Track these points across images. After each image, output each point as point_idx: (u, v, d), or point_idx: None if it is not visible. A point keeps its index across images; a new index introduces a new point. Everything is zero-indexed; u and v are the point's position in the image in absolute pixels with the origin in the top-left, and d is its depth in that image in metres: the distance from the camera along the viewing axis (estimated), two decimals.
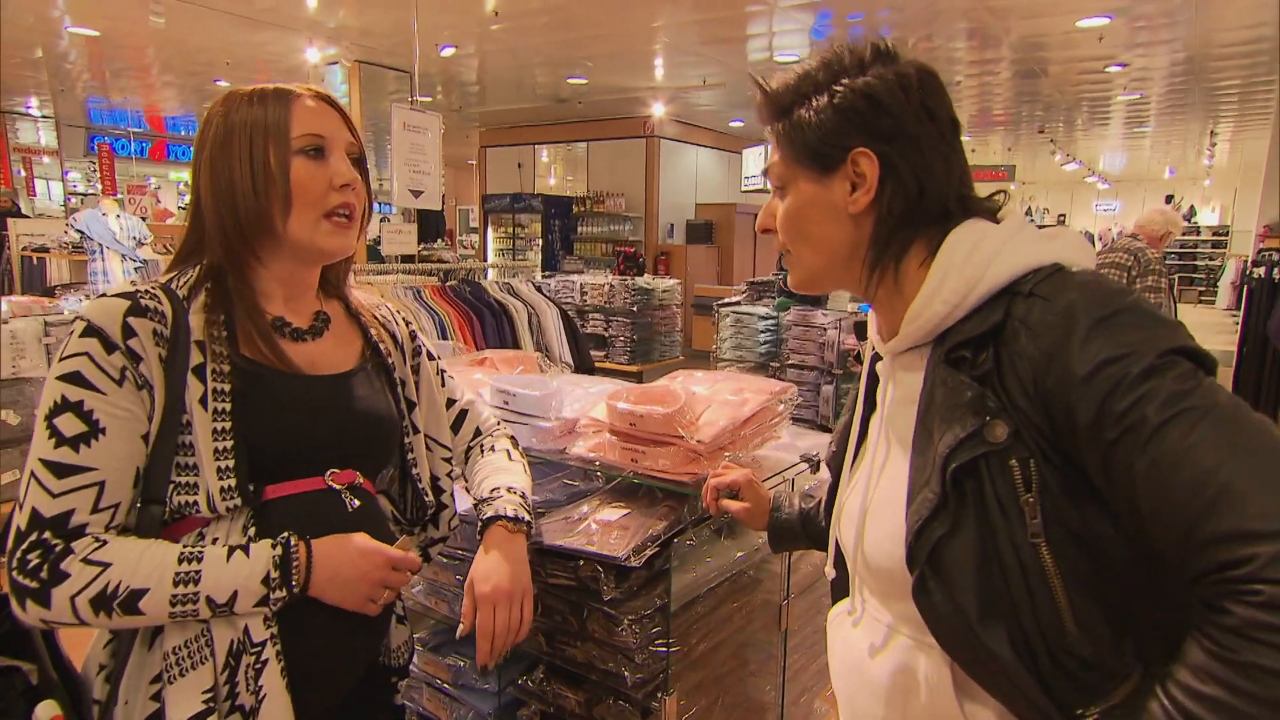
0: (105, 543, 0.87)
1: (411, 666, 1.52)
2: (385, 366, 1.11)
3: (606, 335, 6.50)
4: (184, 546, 0.89)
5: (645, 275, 7.16)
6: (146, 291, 0.92)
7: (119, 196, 6.62)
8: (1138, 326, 0.66)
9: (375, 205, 1.71)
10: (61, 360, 0.88)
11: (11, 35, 6.85)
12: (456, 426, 1.25)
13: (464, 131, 11.25)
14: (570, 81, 8.14)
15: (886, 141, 0.78)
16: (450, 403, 1.24)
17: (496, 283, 3.99)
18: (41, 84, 8.88)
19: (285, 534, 0.93)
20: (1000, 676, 0.71)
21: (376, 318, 1.15)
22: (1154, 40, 6.29)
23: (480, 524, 1.11)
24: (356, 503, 1.01)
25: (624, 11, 5.78)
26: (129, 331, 0.89)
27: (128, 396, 0.88)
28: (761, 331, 3.89)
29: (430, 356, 1.22)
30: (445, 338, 3.44)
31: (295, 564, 0.91)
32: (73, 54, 7.43)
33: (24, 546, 0.84)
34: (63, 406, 0.86)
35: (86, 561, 0.85)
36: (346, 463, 1.02)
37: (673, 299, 6.49)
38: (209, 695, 0.88)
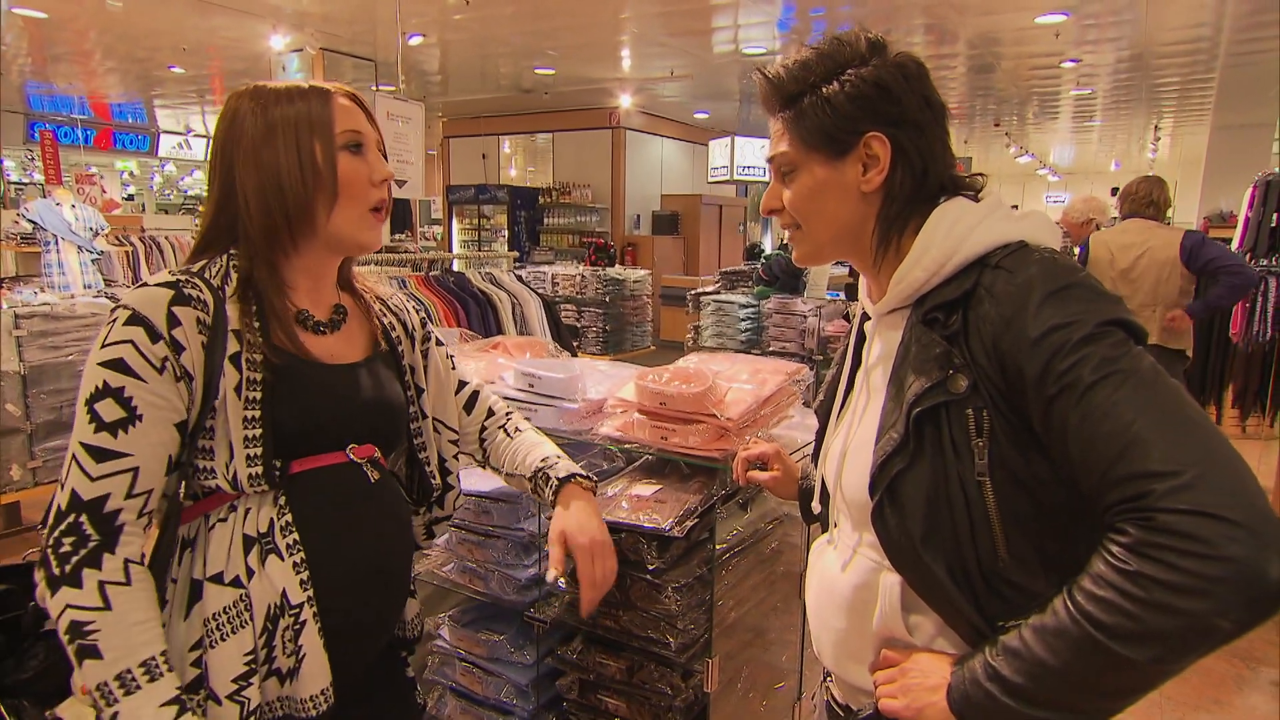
0: (128, 582, 0.87)
1: (441, 641, 1.57)
2: (395, 354, 1.14)
3: (579, 325, 6.52)
4: (157, 653, 0.87)
5: (615, 266, 7.20)
6: (187, 280, 0.95)
7: (66, 185, 6.36)
8: (1083, 300, 0.75)
9: None
10: (104, 347, 0.90)
11: None
12: (469, 408, 1.29)
13: (427, 121, 11.09)
14: (536, 72, 8.11)
15: (895, 126, 0.87)
16: (461, 385, 1.28)
17: (480, 272, 4.00)
18: None
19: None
20: (939, 592, 0.81)
21: (389, 306, 1.18)
22: (1103, 38, 6.55)
23: (556, 482, 1.18)
24: (377, 475, 1.05)
25: (592, 2, 5.79)
26: (174, 321, 0.91)
27: (167, 385, 0.91)
28: (742, 320, 3.97)
29: (439, 343, 1.25)
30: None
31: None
32: (8, 37, 7.13)
33: (61, 528, 0.86)
34: (104, 392, 0.88)
35: (100, 586, 0.85)
36: (364, 442, 1.05)
37: (643, 289, 6.55)
38: (250, 657, 0.92)
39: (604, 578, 1.10)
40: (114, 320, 0.90)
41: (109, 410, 0.88)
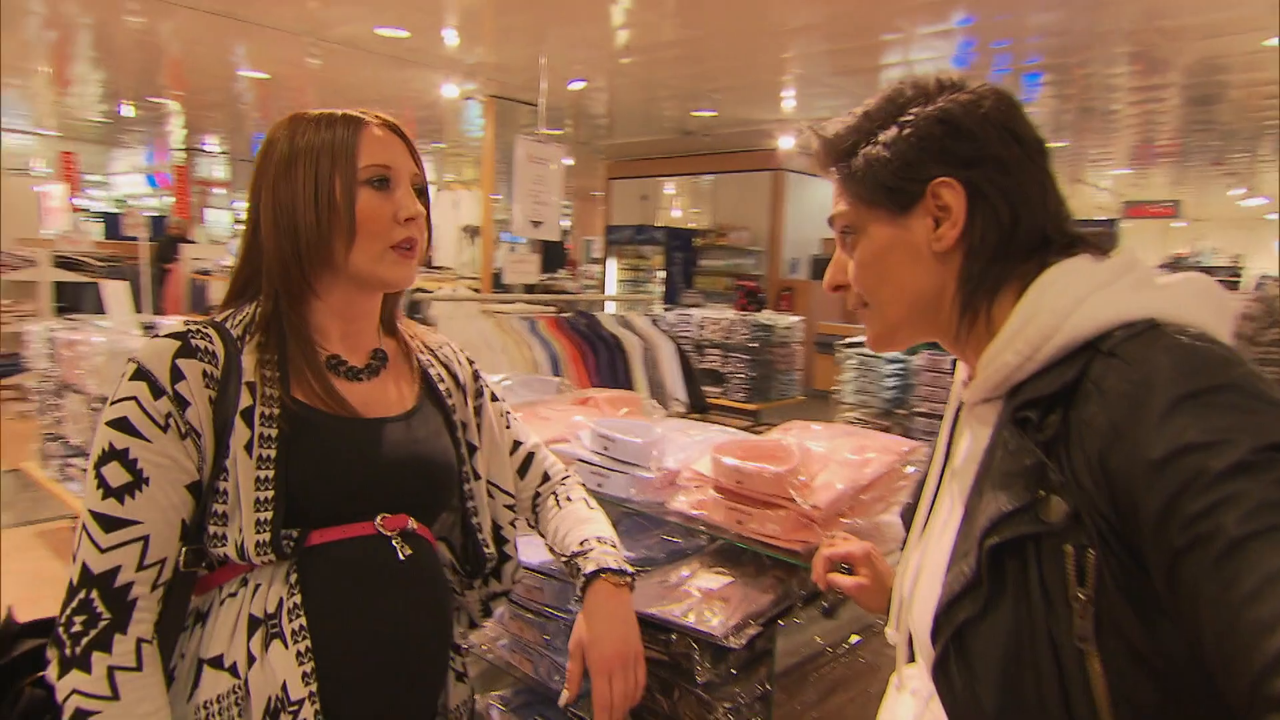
0: (139, 667, 0.83)
1: None
2: (444, 408, 1.06)
3: (723, 371, 6.37)
4: None
5: (766, 310, 6.99)
6: (198, 330, 0.91)
7: None
8: (1235, 409, 0.54)
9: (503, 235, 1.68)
10: (112, 404, 0.86)
11: (198, 82, 7.64)
12: (523, 471, 1.19)
13: (591, 164, 11.53)
14: (696, 114, 8.16)
15: (969, 167, 0.71)
16: (516, 445, 1.18)
17: (612, 316, 3.97)
18: (219, 123, 9.84)
19: None
20: None
21: (438, 356, 1.10)
22: None
23: (583, 579, 1.04)
24: (408, 551, 0.95)
25: (754, 44, 5.72)
26: (177, 374, 0.87)
27: (172, 444, 0.86)
28: (888, 376, 3.65)
29: (494, 398, 1.16)
30: (557, 371, 3.43)
31: None
32: (246, 95, 8.19)
33: (73, 605, 0.82)
34: (110, 454, 0.84)
35: (110, 672, 0.81)
36: (399, 508, 0.96)
37: (794, 336, 6.30)
38: None
39: (623, 698, 0.95)
40: (123, 375, 0.88)
41: (115, 474, 0.84)
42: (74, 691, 0.80)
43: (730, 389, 6.36)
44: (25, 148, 11.21)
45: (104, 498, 0.83)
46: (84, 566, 0.82)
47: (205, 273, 7.12)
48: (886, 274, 0.76)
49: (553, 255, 8.38)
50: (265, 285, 0.95)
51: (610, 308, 6.84)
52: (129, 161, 13.29)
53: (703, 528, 1.34)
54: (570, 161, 11.90)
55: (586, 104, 7.95)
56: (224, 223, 11.41)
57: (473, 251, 7.75)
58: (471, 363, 1.16)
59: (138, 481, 0.84)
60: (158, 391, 0.86)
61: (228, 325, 0.94)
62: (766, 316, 6.32)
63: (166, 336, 0.89)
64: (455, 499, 1.07)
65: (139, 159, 12.74)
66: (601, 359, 3.64)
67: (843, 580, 1.08)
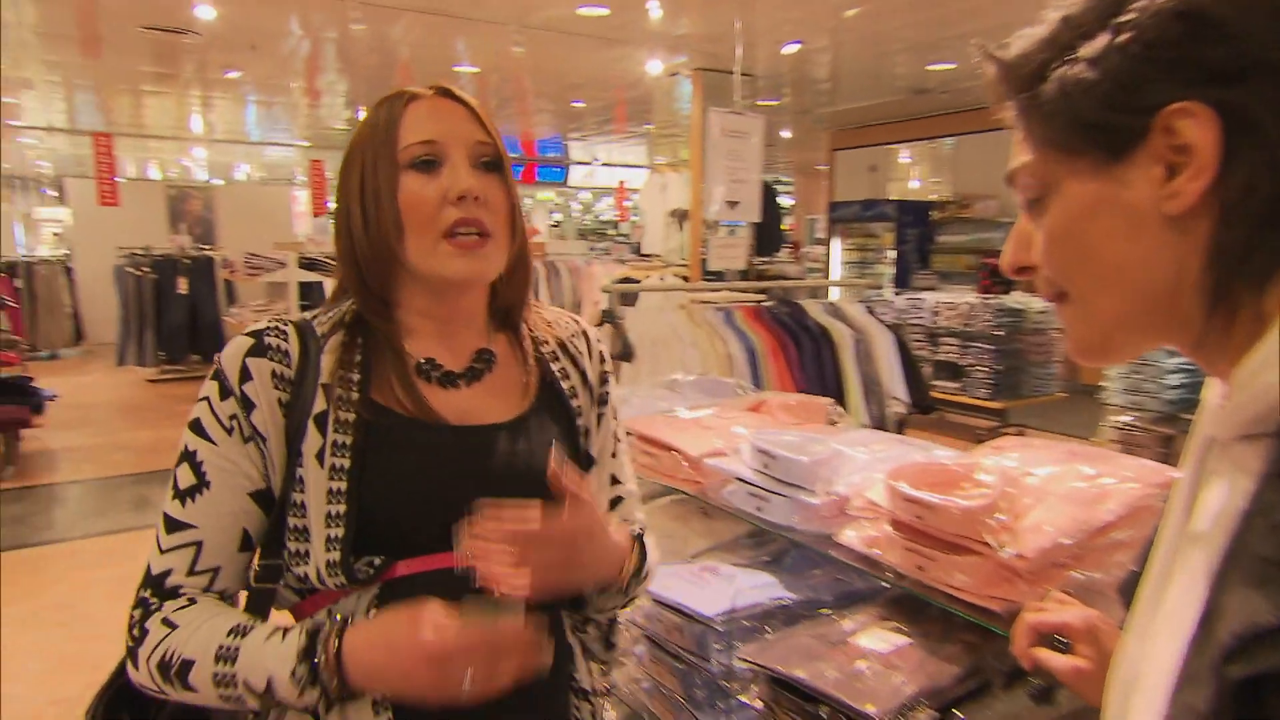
0: (192, 603, 0.85)
1: None
2: (566, 412, 0.98)
3: (962, 364, 5.84)
4: (242, 619, 0.84)
5: (1015, 292, 6.31)
6: (274, 327, 0.90)
7: None
8: None
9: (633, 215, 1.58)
10: (196, 404, 0.89)
11: (423, 83, 8.39)
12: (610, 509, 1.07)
13: (813, 135, 11.14)
14: (934, 68, 7.55)
15: (1226, 84, 0.49)
16: (613, 481, 1.07)
17: (821, 304, 3.75)
18: None
19: (321, 619, 0.83)
20: None
21: (567, 350, 1.02)
22: None
23: None
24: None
25: None
26: (245, 375, 0.87)
27: (235, 448, 0.87)
28: (1171, 372, 3.08)
29: (615, 413, 1.07)
30: (755, 367, 3.30)
31: (321, 661, 0.79)
32: (469, 91, 8.90)
33: (134, 604, 0.86)
34: (183, 456, 0.87)
35: (163, 621, 0.83)
36: None
37: (1050, 321, 5.61)
38: None
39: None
40: (209, 374, 0.91)
41: (184, 476, 0.87)
42: (146, 662, 0.82)
43: (971, 384, 5.81)
44: (286, 159, 13.11)
45: (172, 498, 0.87)
46: (148, 567, 0.87)
47: None
48: (1091, 251, 0.56)
49: (768, 237, 8.18)
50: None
51: (835, 294, 6.56)
52: None
53: (882, 572, 1.16)
54: (789, 134, 11.64)
55: (805, 68, 7.66)
56: None
57: (681, 237, 7.80)
58: (604, 360, 1.07)
59: (200, 484, 0.86)
60: (225, 392, 0.87)
61: (315, 322, 0.93)
62: (1016, 299, 5.69)
63: (246, 334, 0.91)
64: None
65: None
66: (806, 353, 3.45)
67: (1053, 659, 0.86)
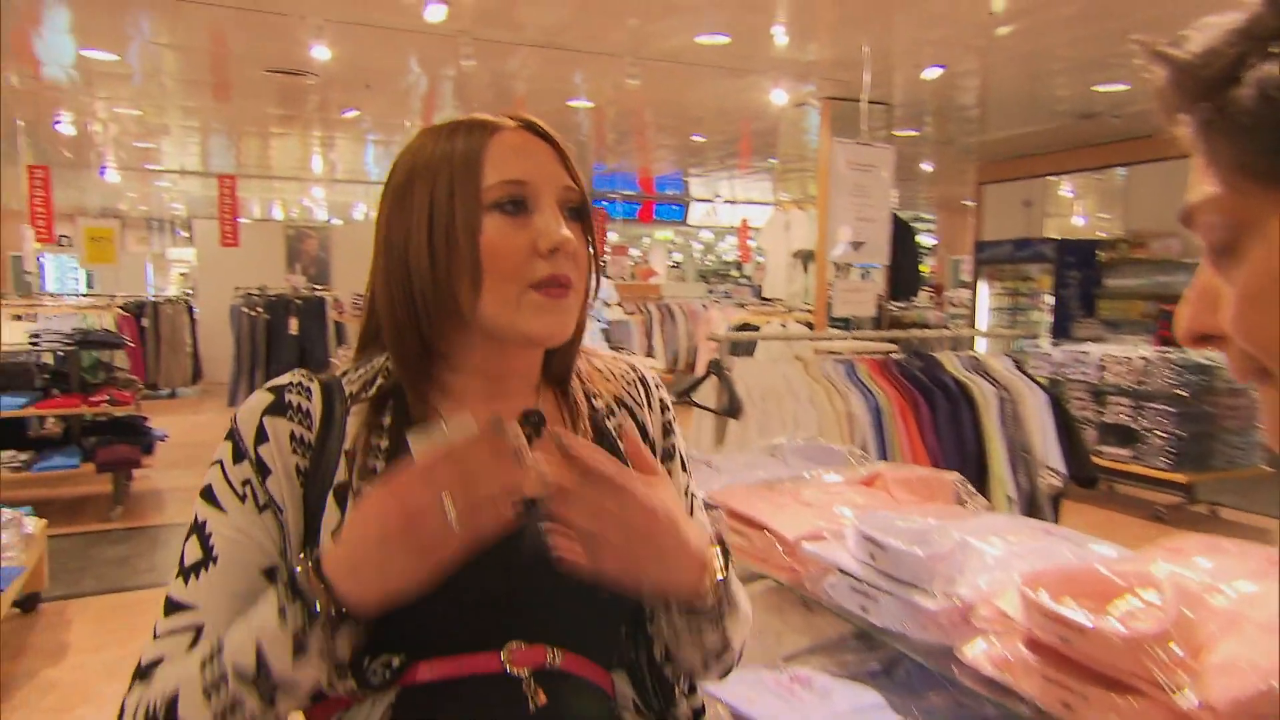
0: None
1: None
2: (620, 460, 0.89)
3: (1135, 428, 5.36)
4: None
5: None
6: (297, 384, 0.86)
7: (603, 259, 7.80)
8: None
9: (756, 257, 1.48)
10: (209, 468, 0.84)
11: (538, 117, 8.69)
12: None
13: (958, 167, 10.77)
14: (1101, 89, 7.13)
15: None
16: None
17: (960, 357, 3.51)
18: None
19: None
20: None
21: (624, 401, 0.96)
22: None
23: None
24: (542, 700, 0.79)
25: None
26: (261, 436, 0.83)
27: (248, 518, 0.81)
28: None
29: (684, 467, 1.00)
30: (881, 427, 3.11)
31: (301, 575, 0.73)
32: (580, 126, 9.15)
33: (124, 699, 0.79)
34: (192, 528, 0.82)
35: (140, 686, 0.78)
36: (540, 634, 0.82)
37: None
38: None
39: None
40: (225, 434, 0.87)
41: (191, 550, 0.82)
42: (134, 710, 0.77)
43: (1146, 452, 5.33)
44: None
45: (176, 576, 0.82)
46: (139, 660, 0.81)
47: None
48: None
49: (905, 280, 7.89)
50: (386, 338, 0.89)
51: (981, 345, 6.18)
52: None
53: (1012, 701, 0.99)
54: (930, 167, 11.30)
55: (950, 94, 7.41)
56: None
57: (805, 280, 7.63)
58: (666, 408, 1.01)
59: (207, 559, 0.81)
60: (239, 455, 0.83)
61: (345, 379, 0.89)
62: (1204, 354, 5.19)
63: (265, 390, 0.87)
64: (631, 609, 0.89)
65: None
66: (940, 413, 3.22)
67: None
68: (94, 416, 5.53)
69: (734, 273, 19.02)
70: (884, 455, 3.07)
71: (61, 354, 5.58)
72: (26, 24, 5.70)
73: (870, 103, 6.97)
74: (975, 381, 3.35)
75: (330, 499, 0.82)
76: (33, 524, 3.81)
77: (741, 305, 8.89)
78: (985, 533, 1.30)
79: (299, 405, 0.85)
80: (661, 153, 10.90)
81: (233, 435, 0.84)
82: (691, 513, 1.00)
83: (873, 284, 4.66)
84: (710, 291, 11.01)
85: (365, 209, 16.25)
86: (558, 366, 0.95)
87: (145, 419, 5.92)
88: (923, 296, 10.29)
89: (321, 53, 5.56)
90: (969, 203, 11.63)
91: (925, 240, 14.46)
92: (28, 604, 3.95)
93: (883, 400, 3.17)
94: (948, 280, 13.77)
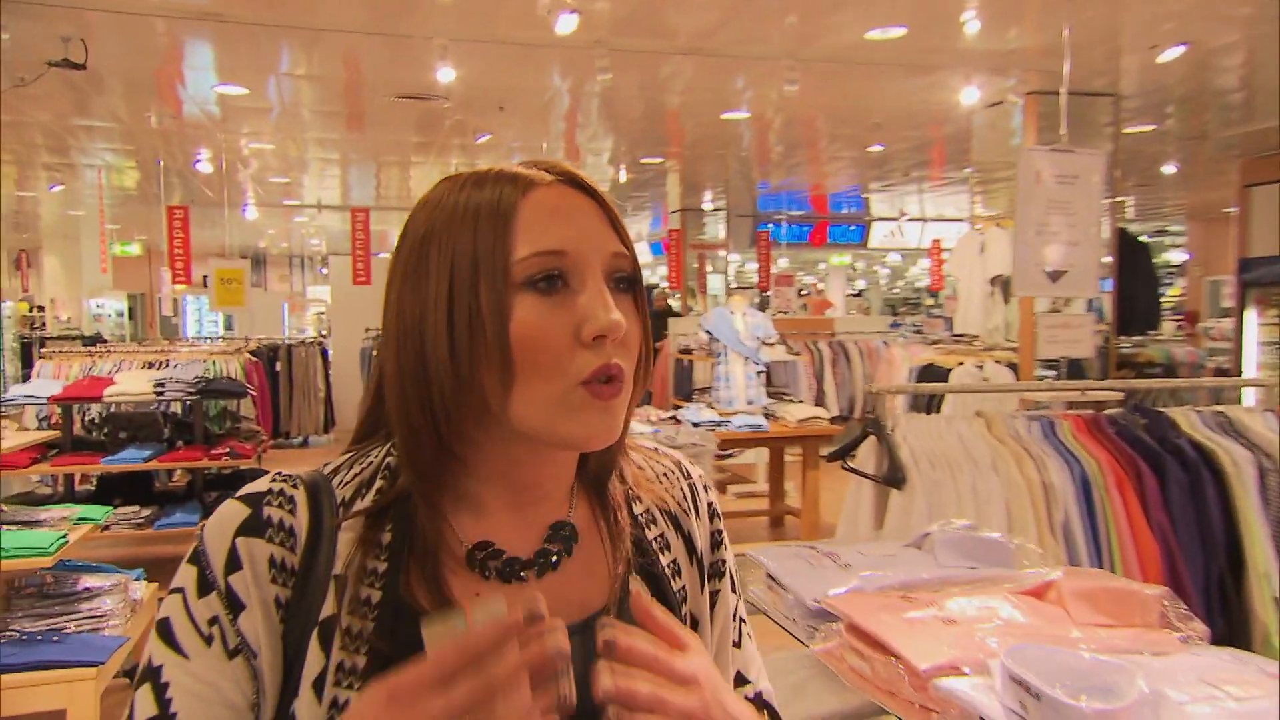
0: None
1: None
2: (665, 599, 0.87)
3: None
4: None
5: None
6: (279, 491, 0.80)
7: (739, 292, 7.69)
8: None
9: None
10: (168, 595, 0.79)
11: (689, 133, 8.81)
12: None
13: (1215, 168, 9.95)
14: None
15: None
16: (739, 680, 0.96)
17: (1201, 414, 3.14)
18: (712, 175, 11.19)
19: None
20: None
21: (667, 506, 0.92)
22: None
23: None
24: None
25: None
26: (233, 562, 0.76)
27: (214, 664, 0.75)
28: None
29: (733, 587, 0.96)
30: (1089, 503, 2.81)
31: None
32: (735, 140, 9.15)
33: None
34: (145, 673, 0.77)
35: None
36: None
37: None
38: None
39: None
40: (189, 552, 0.82)
41: (144, 704, 0.76)
42: None
43: None
44: None
45: None
46: None
47: (687, 351, 7.96)
48: None
49: (1139, 309, 7.28)
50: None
51: (1249, 397, 5.50)
52: (635, 229, 16.02)
53: None
54: (1173, 168, 10.47)
55: (1200, 77, 6.85)
56: (719, 287, 12.95)
57: (1005, 312, 7.20)
58: (715, 516, 0.97)
59: (162, 717, 0.76)
60: (206, 585, 0.77)
61: (336, 481, 0.83)
62: None
63: (240, 498, 0.81)
64: None
65: (644, 226, 15.29)
66: (1173, 486, 2.87)
67: None
68: (218, 470, 5.95)
69: (929, 302, 18.39)
70: (1094, 541, 2.78)
71: (187, 403, 6.06)
72: (168, 63, 6.35)
73: (1091, 95, 6.55)
74: (1222, 445, 2.98)
75: (314, 639, 0.76)
76: (141, 589, 4.09)
77: (935, 342, 8.51)
78: (1193, 680, 1.09)
79: (280, 521, 0.79)
80: (835, 166, 10.75)
81: (198, 559, 0.78)
82: (739, 642, 0.97)
83: (1088, 317, 4.29)
84: (894, 325, 10.62)
85: None
86: (596, 468, 0.89)
87: (266, 474, 6.30)
88: (1169, 327, 9.46)
89: (447, 74, 5.83)
90: (1230, 210, 10.73)
91: (1173, 257, 13.39)
92: (134, 674, 4.23)
93: (1092, 469, 2.87)
94: (1204, 307, 12.68)
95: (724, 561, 0.96)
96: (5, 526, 3.56)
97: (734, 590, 0.96)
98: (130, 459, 5.49)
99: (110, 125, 8.19)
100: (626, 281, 0.80)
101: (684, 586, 0.90)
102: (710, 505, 0.96)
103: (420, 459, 0.80)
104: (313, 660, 0.75)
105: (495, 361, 0.75)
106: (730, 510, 7.33)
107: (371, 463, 0.85)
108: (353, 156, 10.01)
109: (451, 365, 0.76)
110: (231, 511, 0.79)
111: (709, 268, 13.32)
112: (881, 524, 2.89)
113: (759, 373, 6.44)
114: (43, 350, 7.49)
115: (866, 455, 3.02)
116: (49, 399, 5.72)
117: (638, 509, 0.90)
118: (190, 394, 5.75)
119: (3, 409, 5.53)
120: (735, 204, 12.78)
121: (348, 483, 0.83)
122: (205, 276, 12.90)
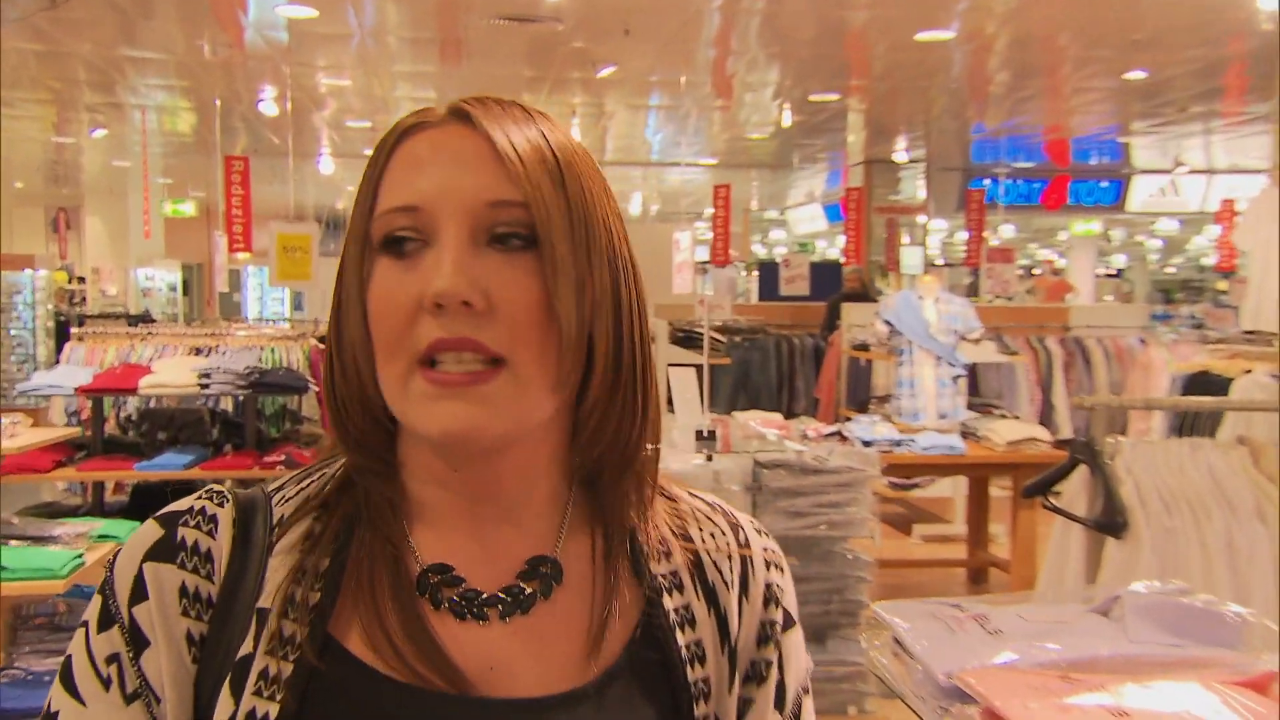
0: None
1: None
2: (675, 686, 0.88)
3: None
4: None
5: None
6: (199, 510, 0.86)
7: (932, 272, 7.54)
8: None
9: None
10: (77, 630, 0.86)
11: (875, 63, 8.72)
12: None
13: None
14: None
15: None
16: None
17: None
18: (907, 118, 11.00)
19: None
20: None
21: (703, 571, 0.93)
22: None
23: None
24: None
25: None
26: (139, 591, 0.82)
27: (109, 712, 0.81)
28: None
29: (780, 702, 0.95)
30: None
31: None
32: (953, 67, 9.00)
33: None
34: (44, 718, 0.83)
35: None
36: None
37: None
38: None
39: None
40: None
41: None
42: None
43: None
44: (694, 186, 14.42)
45: None
46: None
47: (863, 347, 7.88)
48: None
49: None
50: None
51: None
52: (805, 188, 15.84)
53: None
54: None
55: None
56: (917, 263, 12.66)
57: None
58: (771, 601, 0.96)
59: None
60: (107, 619, 0.84)
61: (277, 498, 0.90)
62: None
63: (157, 518, 0.88)
64: None
65: (816, 183, 15.09)
66: None
67: None
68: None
69: (1219, 284, 17.55)
70: None
71: (239, 399, 6.35)
72: None
73: None
74: None
75: (226, 684, 0.81)
76: None
77: (1216, 341, 8.12)
78: None
79: (195, 545, 0.84)
80: (1081, 101, 10.42)
81: (104, 589, 0.85)
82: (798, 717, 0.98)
83: None
84: (1159, 317, 10.19)
85: (641, 201, 17.11)
86: (610, 496, 0.91)
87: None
88: None
89: None
90: None
91: None
92: None
93: None
94: None
95: (771, 665, 0.95)
96: (12, 542, 3.76)
97: (800, 715, 0.96)
98: (167, 465, 5.77)
99: (161, 57, 8.73)
100: (515, 238, 0.81)
101: (705, 679, 0.90)
102: (769, 587, 0.96)
103: (363, 454, 0.87)
104: (222, 708, 0.79)
105: (358, 337, 0.83)
106: (915, 558, 7.20)
107: (326, 474, 0.90)
108: (450, 95, 10.30)
109: (336, 348, 0.86)
110: (144, 533, 0.85)
111: (904, 238, 13.04)
112: (1094, 582, 2.83)
113: (956, 378, 6.31)
114: (78, 330, 7.96)
115: (1078, 491, 2.96)
116: (76, 389, 6.03)
117: (660, 567, 0.91)
118: (240, 387, 6.01)
119: (13, 401, 5.84)
120: (938, 154, 12.58)
121: (290, 499, 0.88)
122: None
